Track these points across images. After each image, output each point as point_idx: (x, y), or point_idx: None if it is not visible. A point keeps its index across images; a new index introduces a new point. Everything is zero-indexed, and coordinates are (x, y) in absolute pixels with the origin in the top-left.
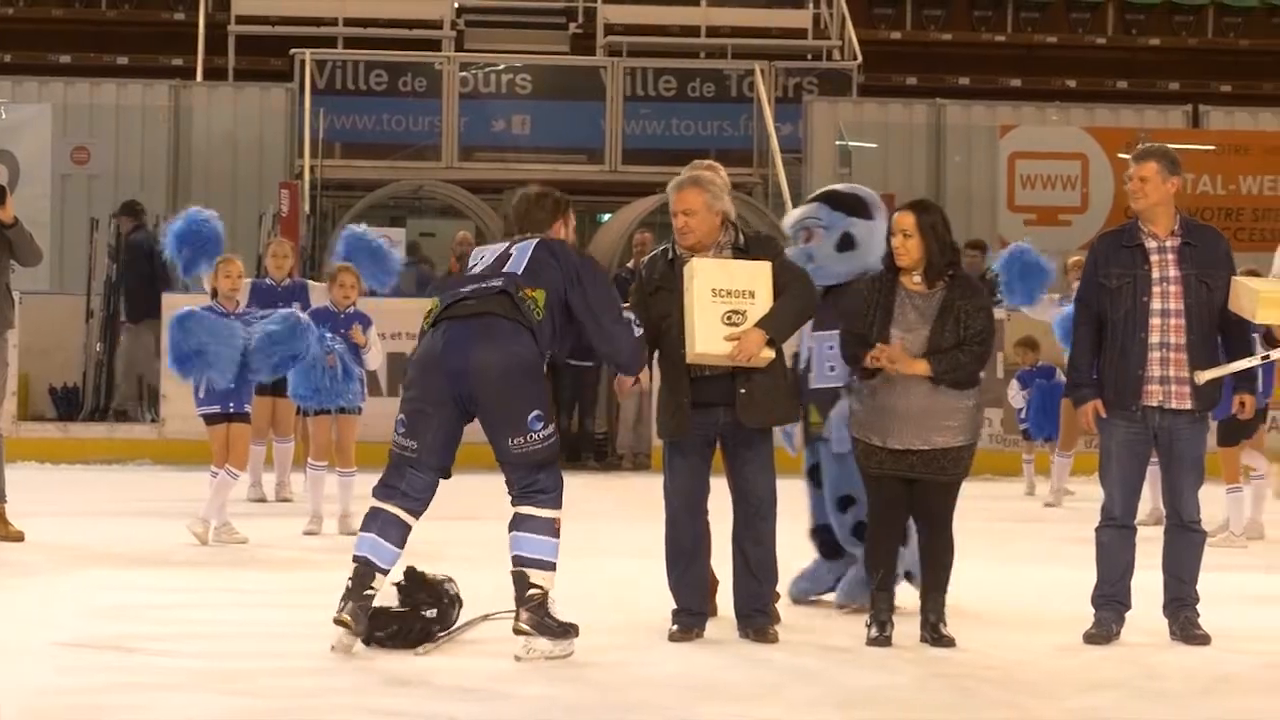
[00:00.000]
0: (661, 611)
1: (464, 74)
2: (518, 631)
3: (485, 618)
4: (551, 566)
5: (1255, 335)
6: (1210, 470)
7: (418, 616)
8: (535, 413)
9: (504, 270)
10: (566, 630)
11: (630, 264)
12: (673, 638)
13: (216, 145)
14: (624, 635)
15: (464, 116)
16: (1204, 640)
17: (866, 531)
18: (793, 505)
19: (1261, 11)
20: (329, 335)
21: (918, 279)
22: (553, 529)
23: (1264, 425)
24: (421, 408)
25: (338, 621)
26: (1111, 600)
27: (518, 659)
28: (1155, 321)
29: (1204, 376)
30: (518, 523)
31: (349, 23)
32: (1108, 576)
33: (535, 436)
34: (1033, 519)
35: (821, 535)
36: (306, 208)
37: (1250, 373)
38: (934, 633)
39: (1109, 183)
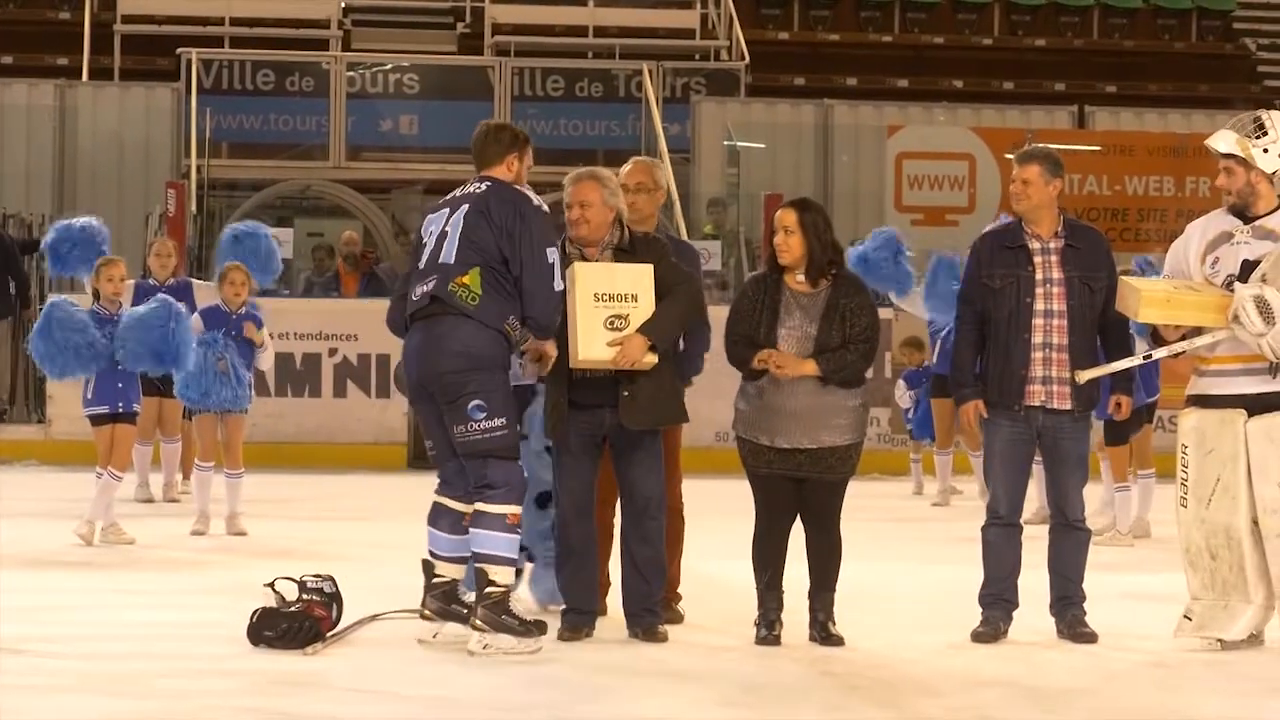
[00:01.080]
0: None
1: (351, 74)
2: (475, 629)
3: (374, 618)
4: (509, 562)
5: (1137, 335)
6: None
7: (308, 616)
8: (475, 402)
9: (440, 261)
10: (529, 629)
11: None
12: (561, 637)
13: (102, 145)
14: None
15: (351, 116)
16: (1091, 638)
17: (754, 532)
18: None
19: (1146, 13)
20: (220, 338)
21: (800, 277)
22: (505, 524)
23: (1150, 424)
24: (419, 409)
25: (424, 617)
26: (999, 599)
27: (471, 653)
28: (1039, 322)
29: (1084, 376)
30: (474, 520)
31: (235, 22)
32: (995, 575)
33: (475, 426)
34: (921, 518)
35: None
36: (193, 208)
37: (1127, 373)
38: (823, 631)
39: (996, 183)
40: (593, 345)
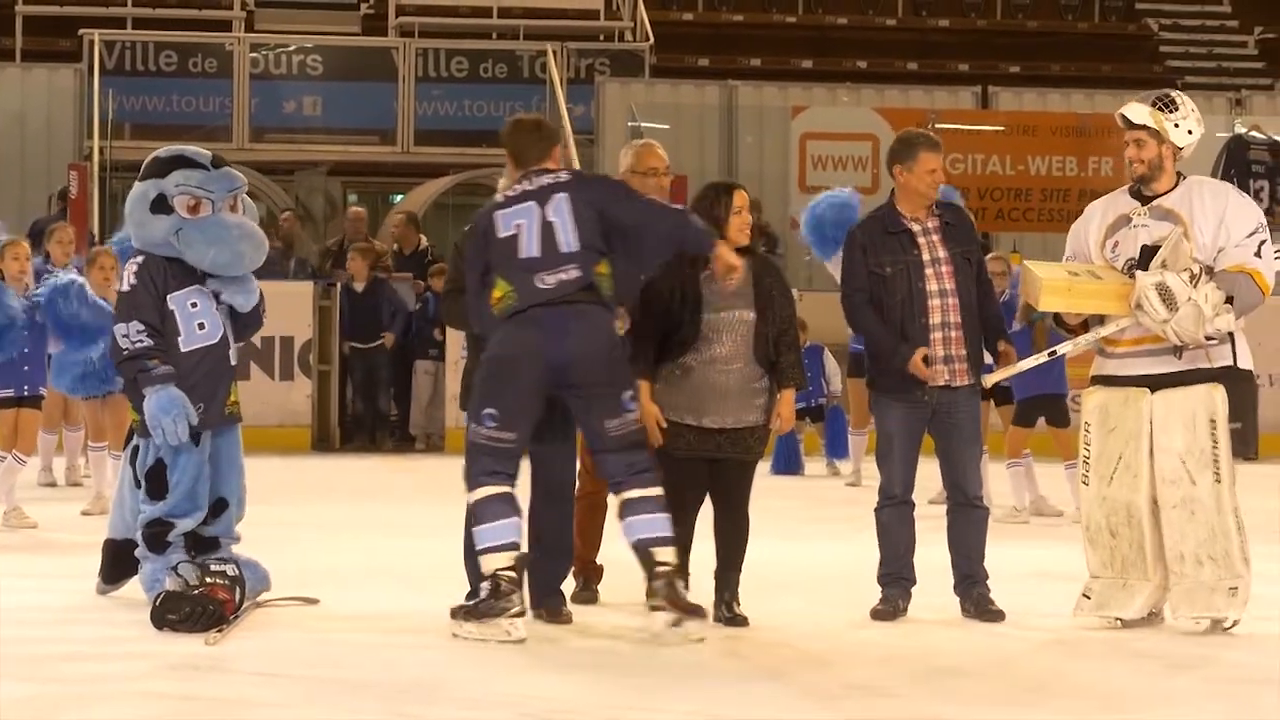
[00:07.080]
0: (455, 591)
1: (254, 55)
2: (654, 608)
3: (256, 605)
4: (670, 542)
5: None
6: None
7: (211, 599)
8: (629, 393)
9: (564, 250)
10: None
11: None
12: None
13: (4, 126)
14: (415, 617)
15: (255, 97)
16: (998, 616)
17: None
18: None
19: None
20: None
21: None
22: (662, 505)
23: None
24: (520, 401)
25: (520, 614)
26: (897, 578)
27: (656, 636)
28: (935, 303)
29: (989, 380)
30: (631, 508)
31: (138, 3)
32: (891, 554)
33: (630, 417)
34: (821, 497)
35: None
36: (96, 189)
37: (1003, 321)
38: (728, 611)
39: None
40: None
